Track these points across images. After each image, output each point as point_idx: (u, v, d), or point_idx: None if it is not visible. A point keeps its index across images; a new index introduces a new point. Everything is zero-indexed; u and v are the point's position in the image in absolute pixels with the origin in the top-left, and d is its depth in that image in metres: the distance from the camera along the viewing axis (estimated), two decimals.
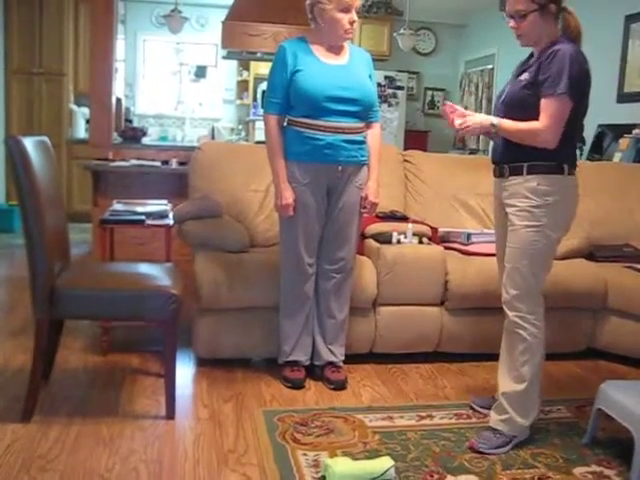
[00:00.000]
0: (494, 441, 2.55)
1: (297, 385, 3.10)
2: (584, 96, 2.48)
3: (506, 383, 2.60)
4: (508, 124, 2.50)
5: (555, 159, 2.48)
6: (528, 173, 2.50)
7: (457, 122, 2.55)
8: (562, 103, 2.40)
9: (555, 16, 2.50)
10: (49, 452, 2.38)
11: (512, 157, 2.55)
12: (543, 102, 2.42)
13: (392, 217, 3.73)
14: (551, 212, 2.48)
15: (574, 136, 2.52)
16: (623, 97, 5.71)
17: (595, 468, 2.45)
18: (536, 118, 2.44)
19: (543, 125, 2.42)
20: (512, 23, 2.53)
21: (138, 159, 5.19)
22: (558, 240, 2.58)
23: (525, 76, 2.53)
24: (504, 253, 2.66)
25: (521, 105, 2.52)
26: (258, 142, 6.59)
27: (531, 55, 2.62)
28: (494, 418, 2.62)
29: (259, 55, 7.27)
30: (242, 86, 9.13)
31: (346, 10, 2.92)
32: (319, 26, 2.99)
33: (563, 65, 2.38)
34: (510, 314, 2.58)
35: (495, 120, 2.52)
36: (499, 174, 2.64)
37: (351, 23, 2.95)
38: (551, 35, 2.50)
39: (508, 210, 2.59)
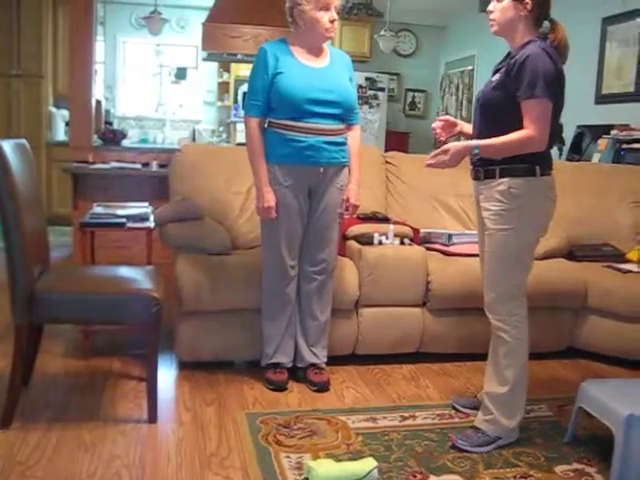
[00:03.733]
0: (475, 439, 2.56)
1: (280, 387, 3.09)
2: (559, 96, 2.47)
3: (490, 384, 2.62)
4: (491, 142, 2.46)
5: (527, 161, 2.47)
6: (500, 176, 2.49)
7: (429, 160, 2.53)
8: (542, 105, 2.40)
9: (534, 16, 2.49)
10: (29, 458, 2.35)
11: (486, 160, 2.54)
12: (523, 107, 2.41)
13: (373, 218, 3.74)
14: (524, 215, 2.49)
15: (549, 138, 2.48)
16: (601, 98, 5.78)
17: (576, 466, 2.47)
18: (509, 120, 2.43)
19: (534, 132, 2.40)
20: (491, 6, 2.56)
21: (118, 161, 5.17)
22: (535, 242, 2.59)
23: (496, 77, 2.54)
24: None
25: (492, 106, 2.53)
26: (239, 144, 6.58)
27: (508, 55, 2.61)
28: (479, 418, 2.63)
29: (240, 57, 7.25)
30: (223, 88, 9.11)
31: (325, 8, 2.92)
32: (300, 28, 2.99)
33: (536, 68, 2.37)
34: (491, 317, 2.59)
35: (474, 143, 2.50)
36: (475, 177, 2.64)
37: (331, 22, 2.95)
38: (526, 34, 2.50)
39: (483, 214, 2.60)
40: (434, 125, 2.74)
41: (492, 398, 2.59)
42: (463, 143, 2.55)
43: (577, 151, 5.54)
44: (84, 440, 2.51)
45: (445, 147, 2.49)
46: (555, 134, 2.55)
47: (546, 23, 2.53)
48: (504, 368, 2.57)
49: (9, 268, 2.57)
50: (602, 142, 5.19)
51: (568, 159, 5.52)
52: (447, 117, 2.78)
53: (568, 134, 5.63)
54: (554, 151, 5.51)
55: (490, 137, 2.48)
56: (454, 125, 2.76)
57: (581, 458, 2.53)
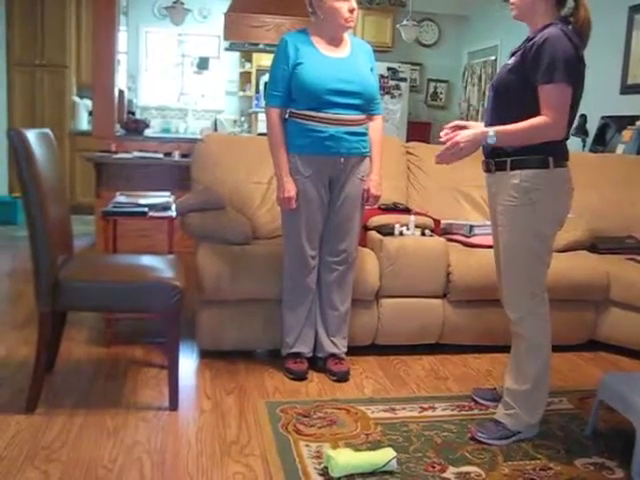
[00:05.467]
0: (494, 432, 2.55)
1: (300, 377, 3.11)
2: (579, 82, 2.38)
3: (511, 381, 2.58)
4: (509, 128, 2.36)
5: (539, 153, 2.39)
6: (511, 169, 2.42)
7: (443, 136, 2.45)
8: (562, 91, 2.32)
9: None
10: (53, 443, 2.39)
11: (496, 152, 2.47)
12: (541, 92, 2.34)
13: (394, 209, 3.73)
14: (537, 209, 2.40)
15: (566, 127, 2.40)
16: (626, 89, 5.69)
17: (596, 459, 2.46)
18: (523, 104, 2.37)
19: (552, 119, 2.32)
20: None
21: (141, 151, 5.21)
22: (552, 236, 2.50)
23: (512, 60, 2.47)
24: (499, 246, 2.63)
25: (506, 90, 2.45)
26: (260, 134, 6.58)
27: (527, 39, 2.52)
28: (500, 411, 2.61)
29: (261, 46, 7.26)
30: (245, 78, 9.12)
31: None
32: (319, 18, 2.99)
33: (555, 52, 2.29)
34: (511, 315, 2.54)
35: (491, 131, 2.38)
36: (486, 169, 2.58)
37: (351, 11, 2.93)
38: (547, 17, 2.42)
39: (496, 208, 2.54)
40: (442, 134, 2.54)
41: (513, 395, 2.56)
42: (476, 130, 2.45)
43: (601, 142, 5.47)
44: (106, 426, 2.55)
45: (455, 140, 2.39)
46: (571, 123, 2.45)
47: (570, 2, 2.44)
48: (525, 365, 2.53)
49: (33, 256, 2.60)
50: (627, 133, 5.12)
51: (592, 150, 5.46)
52: (456, 122, 2.61)
53: (592, 125, 5.56)
54: (577, 142, 5.49)
55: (504, 122, 2.39)
56: (465, 128, 2.56)
57: (601, 452, 2.51)
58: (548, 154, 2.40)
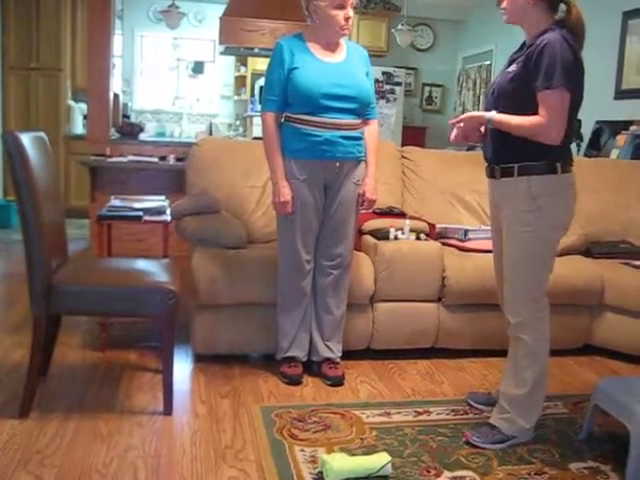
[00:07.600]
0: (489, 437, 2.54)
1: (294, 381, 3.10)
2: (578, 87, 2.38)
3: (508, 385, 2.58)
4: (505, 118, 2.40)
5: (547, 158, 2.39)
6: (519, 175, 2.42)
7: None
8: (560, 96, 2.32)
9: (546, 2, 2.42)
10: (47, 448, 2.38)
11: (503, 157, 2.47)
12: (540, 97, 2.34)
13: (390, 213, 3.74)
14: (546, 214, 2.41)
15: (568, 132, 2.40)
16: (620, 94, 5.72)
17: (591, 464, 2.46)
18: (524, 111, 2.37)
19: (546, 120, 2.32)
20: None
21: (135, 155, 5.19)
22: (557, 240, 2.51)
23: (513, 67, 2.46)
24: (499, 251, 2.62)
25: (509, 98, 2.45)
26: (256, 138, 6.58)
27: (523, 45, 2.53)
28: (495, 416, 2.61)
29: (257, 51, 7.25)
30: (240, 82, 9.12)
31: (341, 6, 2.91)
32: (315, 23, 2.99)
33: (554, 57, 2.29)
34: (511, 319, 2.54)
35: (488, 115, 2.44)
36: (491, 174, 2.57)
37: (346, 19, 2.94)
38: (541, 22, 2.42)
39: (501, 214, 2.54)
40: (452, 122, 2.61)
41: (509, 399, 2.56)
42: (481, 112, 2.52)
43: (595, 147, 5.49)
44: (100, 431, 2.54)
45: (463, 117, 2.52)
46: (572, 128, 2.46)
47: (562, 6, 2.44)
48: (523, 370, 2.52)
49: (27, 260, 2.60)
50: (621, 138, 5.14)
51: (586, 155, 5.48)
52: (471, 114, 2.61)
53: (586, 130, 5.58)
54: (572, 147, 5.49)
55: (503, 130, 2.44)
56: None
57: (596, 456, 2.51)
58: (555, 159, 2.41)
